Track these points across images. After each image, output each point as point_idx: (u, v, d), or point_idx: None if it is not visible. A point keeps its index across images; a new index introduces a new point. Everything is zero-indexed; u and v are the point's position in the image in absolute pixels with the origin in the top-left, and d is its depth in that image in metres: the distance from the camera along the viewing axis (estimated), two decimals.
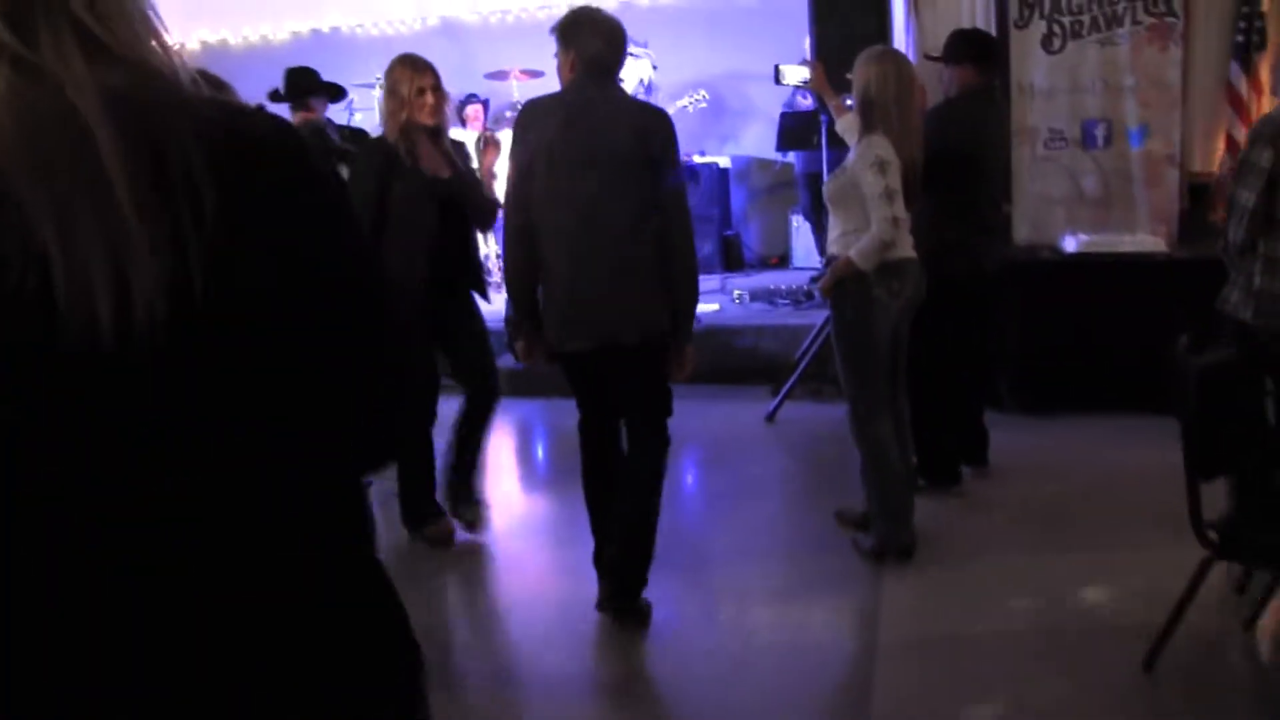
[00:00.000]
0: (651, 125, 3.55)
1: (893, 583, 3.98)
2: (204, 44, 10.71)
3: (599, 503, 3.84)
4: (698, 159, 8.97)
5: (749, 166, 9.53)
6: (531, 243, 3.58)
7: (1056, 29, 6.42)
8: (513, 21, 9.61)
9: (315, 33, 10.34)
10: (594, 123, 3.50)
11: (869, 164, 3.93)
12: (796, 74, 4.61)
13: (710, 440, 6.08)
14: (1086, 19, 6.39)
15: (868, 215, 3.94)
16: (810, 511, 4.73)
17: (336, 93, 6.40)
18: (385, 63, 4.28)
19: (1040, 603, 3.76)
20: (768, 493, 5.12)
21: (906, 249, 4.05)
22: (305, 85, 6.22)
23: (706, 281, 8.42)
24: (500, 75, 8.95)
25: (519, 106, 3.98)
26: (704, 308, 7.46)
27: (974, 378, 4.91)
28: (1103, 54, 6.32)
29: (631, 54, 8.05)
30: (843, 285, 4.04)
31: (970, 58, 4.66)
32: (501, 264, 4.16)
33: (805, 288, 7.40)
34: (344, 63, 9.47)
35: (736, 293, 7.74)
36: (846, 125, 4.52)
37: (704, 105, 8.18)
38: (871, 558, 4.14)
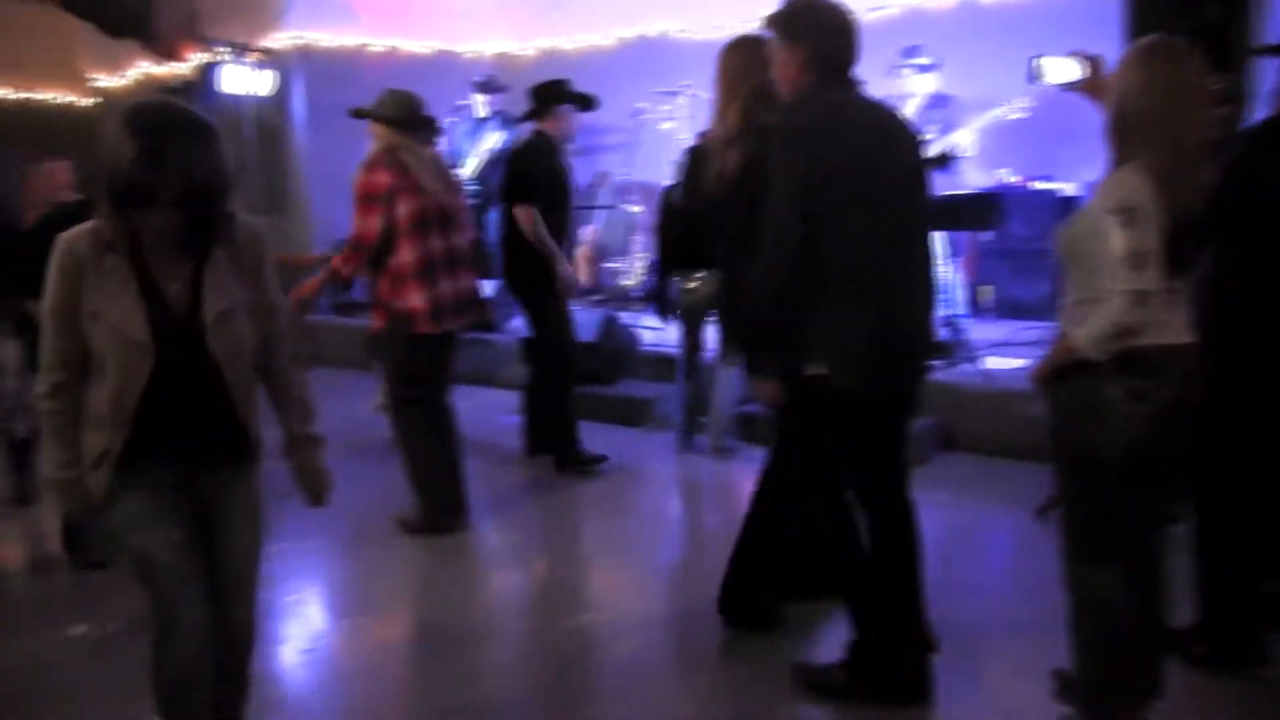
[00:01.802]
0: (918, 137, 3.30)
1: None
2: (540, 50, 10.66)
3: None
4: (1037, 185, 7.60)
5: None
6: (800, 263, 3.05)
7: None
8: None
9: (641, 38, 9.92)
10: (893, 134, 3.18)
11: (1111, 210, 2.73)
12: (1061, 70, 3.40)
13: (953, 532, 4.90)
14: None
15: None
16: (1032, 658, 3.47)
17: (586, 102, 5.81)
18: (708, 69, 3.71)
19: None
20: (987, 616, 3.91)
21: (1167, 332, 2.80)
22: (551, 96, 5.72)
23: (1030, 331, 7.20)
24: None
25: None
26: (1010, 364, 6.24)
27: None
28: None
29: (919, 65, 7.01)
30: (1064, 377, 2.87)
31: None
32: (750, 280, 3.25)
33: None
34: (668, 68, 9.01)
35: None
36: None
37: (1024, 115, 6.81)
38: None
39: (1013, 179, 7.69)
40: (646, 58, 9.72)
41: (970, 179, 7.68)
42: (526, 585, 4.57)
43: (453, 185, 4.94)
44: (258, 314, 2.65)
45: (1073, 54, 3.41)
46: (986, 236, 7.56)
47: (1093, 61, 3.35)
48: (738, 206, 3.47)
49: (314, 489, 2.87)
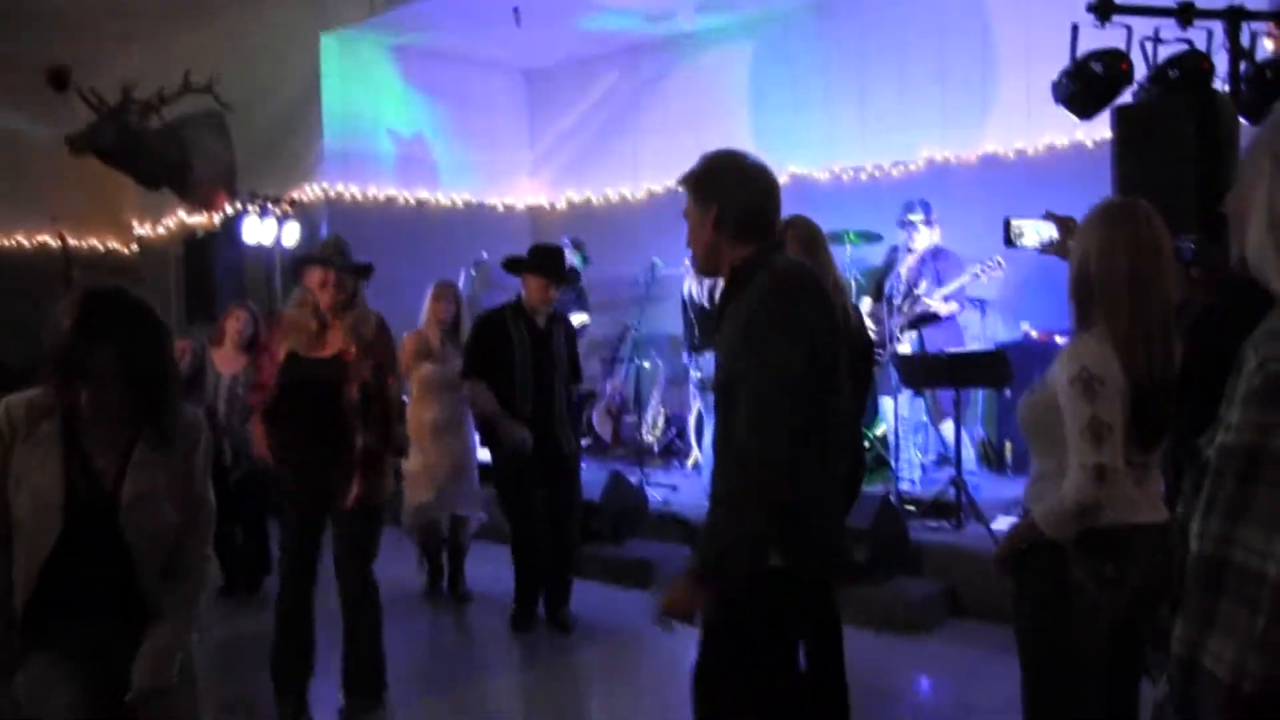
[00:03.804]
0: None
1: None
2: (570, 203, 10.78)
3: None
4: (1059, 339, 7.40)
5: None
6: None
7: None
8: (865, 180, 8.62)
9: (669, 191, 10.00)
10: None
11: (1071, 379, 2.56)
12: (1035, 232, 3.29)
13: (960, 709, 4.57)
14: None
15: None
16: None
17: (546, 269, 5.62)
18: None
19: None
20: None
21: (1136, 511, 2.60)
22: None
23: None
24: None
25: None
26: None
27: None
28: None
29: (920, 223, 7.02)
30: (1027, 559, 2.66)
31: None
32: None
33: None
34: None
35: None
36: None
37: (999, 274, 6.73)
38: None
39: (1034, 333, 7.52)
40: (676, 211, 9.73)
41: (992, 332, 7.56)
42: None
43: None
44: (180, 501, 2.62)
45: (1045, 215, 3.30)
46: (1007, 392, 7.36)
47: (1064, 223, 3.23)
48: None
49: (139, 680, 2.53)
